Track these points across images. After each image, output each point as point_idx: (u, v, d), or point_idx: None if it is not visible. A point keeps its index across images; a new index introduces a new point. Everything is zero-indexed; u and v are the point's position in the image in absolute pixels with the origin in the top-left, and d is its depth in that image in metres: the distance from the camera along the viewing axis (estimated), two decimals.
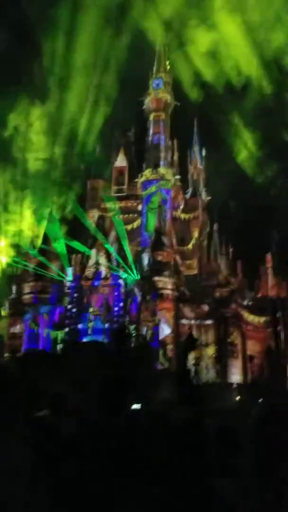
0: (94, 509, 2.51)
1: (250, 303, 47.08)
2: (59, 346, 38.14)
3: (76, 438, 3.02)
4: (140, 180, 51.18)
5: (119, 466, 2.68)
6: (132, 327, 35.26)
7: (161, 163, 50.71)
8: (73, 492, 2.62)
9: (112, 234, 45.49)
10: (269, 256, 48.97)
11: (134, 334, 32.87)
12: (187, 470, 1.87)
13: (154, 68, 54.44)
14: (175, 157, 54.48)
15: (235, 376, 40.42)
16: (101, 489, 2.56)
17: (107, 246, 43.58)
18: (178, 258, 47.16)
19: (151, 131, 52.52)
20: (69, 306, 42.18)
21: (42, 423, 2.97)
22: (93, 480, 2.64)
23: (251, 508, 1.90)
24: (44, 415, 3.24)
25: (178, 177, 54.14)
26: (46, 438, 2.82)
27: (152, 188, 49.53)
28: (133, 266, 45.76)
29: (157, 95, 52.63)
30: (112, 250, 43.75)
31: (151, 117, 52.92)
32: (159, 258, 42.82)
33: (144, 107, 53.89)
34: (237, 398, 30.24)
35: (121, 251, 44.59)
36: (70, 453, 2.80)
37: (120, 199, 51.88)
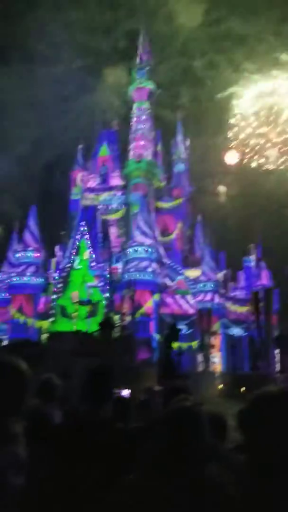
0: (87, 498, 2.51)
1: (232, 294, 47.50)
2: (44, 336, 38.07)
3: (66, 427, 3.01)
4: (124, 170, 50.99)
5: (109, 455, 2.68)
6: (116, 317, 35.29)
7: (145, 153, 50.54)
8: (65, 480, 2.62)
9: (97, 225, 45.30)
10: (252, 247, 49.47)
11: (118, 324, 32.91)
12: (182, 458, 1.86)
13: (138, 58, 54.11)
14: (159, 147, 54.39)
15: (218, 365, 40.87)
16: (93, 478, 2.56)
17: (84, 241, 43.40)
18: (161, 248, 47.22)
19: (134, 121, 52.25)
20: (54, 296, 42.12)
21: (35, 412, 2.95)
22: (84, 469, 2.63)
23: (242, 492, 1.92)
24: (36, 404, 3.21)
25: (161, 167, 54.11)
26: (39, 428, 2.80)
27: (136, 179, 49.41)
28: (113, 259, 45.74)
29: (141, 84, 52.37)
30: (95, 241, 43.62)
31: (135, 106, 52.64)
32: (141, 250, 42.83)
33: (128, 95, 53.64)
34: (220, 386, 30.57)
35: (105, 242, 44.52)
36: (63, 442, 2.79)
37: (103, 189, 51.63)
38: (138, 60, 53.98)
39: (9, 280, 43.26)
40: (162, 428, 2.06)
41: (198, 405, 1.95)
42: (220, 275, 46.49)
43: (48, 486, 2.61)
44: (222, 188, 57.65)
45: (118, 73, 55.76)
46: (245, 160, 41.91)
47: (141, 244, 42.84)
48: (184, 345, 34.45)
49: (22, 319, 41.58)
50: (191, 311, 42.13)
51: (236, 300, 46.07)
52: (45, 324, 41.42)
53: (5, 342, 37.70)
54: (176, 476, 1.84)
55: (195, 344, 39.88)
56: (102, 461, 2.66)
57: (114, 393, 3.70)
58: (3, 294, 44.32)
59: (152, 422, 3.23)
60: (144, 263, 41.94)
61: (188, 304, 42.89)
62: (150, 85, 52.74)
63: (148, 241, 43.19)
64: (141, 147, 50.61)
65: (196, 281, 44.39)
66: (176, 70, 59.05)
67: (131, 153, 50.98)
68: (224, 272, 48.71)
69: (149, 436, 2.92)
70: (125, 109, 53.81)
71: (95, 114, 55.58)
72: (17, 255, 43.95)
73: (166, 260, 46.78)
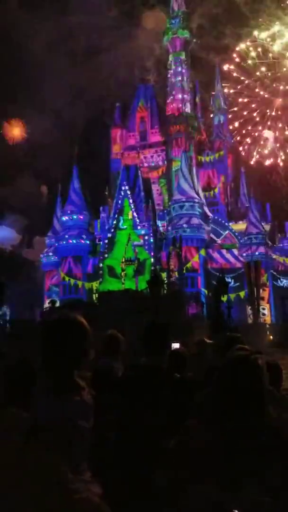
0: (151, 443, 2.69)
1: (280, 245, 46.70)
2: (95, 296, 39.08)
3: (130, 378, 3.19)
4: (163, 126, 49.99)
5: (171, 403, 2.84)
6: (164, 274, 35.63)
7: (183, 106, 49.23)
8: (130, 426, 2.81)
9: (139, 183, 45.08)
10: None
11: (166, 281, 33.24)
12: (243, 404, 1.95)
13: (171, 3, 51.84)
14: (197, 99, 52.75)
15: (268, 317, 40.79)
16: (155, 424, 2.72)
17: (127, 201, 43.34)
18: (205, 203, 46.64)
19: (171, 73, 50.69)
20: (102, 258, 42.85)
21: (102, 366, 3.14)
22: (147, 416, 2.80)
23: None
24: (101, 358, 3.40)
25: (201, 120, 52.67)
26: (107, 380, 3.00)
27: (175, 134, 48.43)
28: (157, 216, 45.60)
29: (176, 34, 50.38)
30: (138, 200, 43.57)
31: (171, 57, 50.92)
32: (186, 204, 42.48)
33: (163, 46, 51.81)
34: (271, 337, 30.65)
35: (148, 200, 44.40)
36: (128, 392, 2.96)
37: (143, 147, 51.00)
38: (171, 8, 51.79)
39: (56, 244, 44.32)
40: (222, 376, 2.15)
41: (257, 354, 2.02)
42: (267, 227, 45.65)
43: (119, 432, 2.81)
44: (268, 134, 55.08)
45: (156, 17, 53.28)
46: None
47: (185, 200, 42.51)
48: (232, 295, 34.53)
49: (72, 281, 42.78)
50: (238, 264, 41.87)
51: (284, 251, 45.31)
52: (94, 284, 42.39)
53: (57, 304, 39.00)
54: (234, 420, 1.94)
55: (243, 293, 39.84)
56: (163, 408, 2.82)
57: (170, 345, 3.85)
58: (52, 257, 45.60)
59: (208, 371, 3.35)
60: (189, 219, 41.73)
61: (235, 258, 42.60)
62: (185, 34, 50.64)
63: (191, 197, 42.77)
64: (179, 100, 49.29)
65: (242, 234, 43.84)
66: (218, 9, 55.81)
67: (169, 107, 49.80)
68: (270, 223, 47.77)
69: (206, 384, 3.04)
70: (167, 56, 51.82)
71: (135, 65, 53.94)
72: (63, 218, 44.76)
73: (210, 215, 46.28)
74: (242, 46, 45.68)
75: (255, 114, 50.05)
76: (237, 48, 46.08)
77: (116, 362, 3.90)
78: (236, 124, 52.68)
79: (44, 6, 64.98)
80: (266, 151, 51.35)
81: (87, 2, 58.96)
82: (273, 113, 48.73)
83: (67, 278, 42.82)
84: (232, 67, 48.18)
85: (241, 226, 45.41)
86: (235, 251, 43.09)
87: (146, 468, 2.55)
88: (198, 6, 52.74)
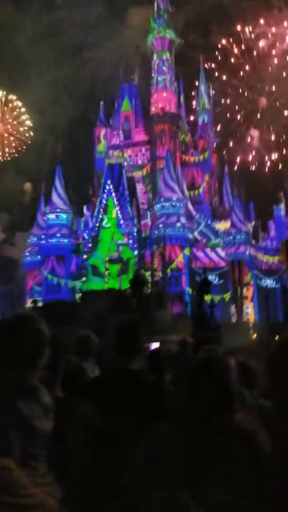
0: (117, 448, 2.64)
1: (263, 244, 47.02)
2: (78, 296, 38.90)
3: (100, 379, 3.13)
4: (147, 125, 50.00)
5: (141, 406, 2.79)
6: (147, 273, 35.62)
7: (168, 106, 49.28)
8: (97, 429, 2.76)
9: (123, 182, 45.01)
10: (282, 195, 48.43)
11: (149, 280, 33.26)
12: (210, 407, 1.92)
13: (155, 4, 51.84)
14: (182, 99, 52.88)
15: (251, 315, 41.07)
16: (126, 427, 2.68)
17: (111, 200, 43.23)
18: (189, 203, 46.77)
19: (155, 73, 50.70)
20: (85, 256, 42.68)
21: (70, 367, 3.08)
22: (116, 420, 2.75)
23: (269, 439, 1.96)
24: (72, 359, 3.34)
25: (185, 119, 52.80)
26: (76, 382, 2.94)
27: (159, 133, 48.48)
28: (142, 215, 45.54)
29: (160, 33, 50.37)
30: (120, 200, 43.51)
31: (155, 57, 50.92)
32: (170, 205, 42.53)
33: (147, 46, 51.76)
34: (254, 336, 30.82)
35: (133, 199, 44.36)
36: (98, 393, 2.92)
37: (128, 146, 50.90)
38: (155, 7, 51.75)
39: (39, 242, 43.96)
40: (189, 378, 2.12)
41: (221, 355, 1.99)
42: (250, 226, 45.94)
43: (86, 435, 2.76)
44: (253, 132, 55.06)
45: (142, 15, 53.11)
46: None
47: (169, 199, 42.56)
48: (217, 297, 34.63)
49: (55, 280, 42.45)
50: (222, 263, 42.04)
51: (267, 250, 45.66)
52: (77, 284, 42.16)
53: (40, 303, 38.71)
54: (202, 424, 1.90)
55: (227, 295, 40.03)
56: (134, 410, 2.77)
57: (144, 347, 3.79)
58: (34, 257, 45.18)
59: (181, 373, 3.32)
60: (173, 218, 41.78)
61: (219, 257, 42.77)
62: (169, 34, 50.67)
63: (175, 196, 42.83)
64: (164, 100, 49.34)
65: (226, 233, 44.05)
66: (203, 8, 55.77)
67: (153, 107, 49.81)
68: (254, 222, 48.09)
69: (178, 386, 3.00)
70: (151, 55, 51.70)
71: (120, 63, 53.66)
72: (46, 216, 44.42)
73: (195, 214, 46.40)
74: (223, 42, 45.92)
75: (239, 117, 50.18)
76: (219, 45, 46.27)
77: (89, 364, 3.86)
78: (219, 126, 52.68)
79: (29, 1, 64.39)
80: (250, 156, 51.40)
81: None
82: (258, 114, 48.96)
83: (50, 277, 42.49)
84: (213, 65, 48.38)
85: (225, 225, 45.63)
86: (219, 250, 43.27)
87: (114, 472, 2.50)
88: (183, 4, 52.79)
